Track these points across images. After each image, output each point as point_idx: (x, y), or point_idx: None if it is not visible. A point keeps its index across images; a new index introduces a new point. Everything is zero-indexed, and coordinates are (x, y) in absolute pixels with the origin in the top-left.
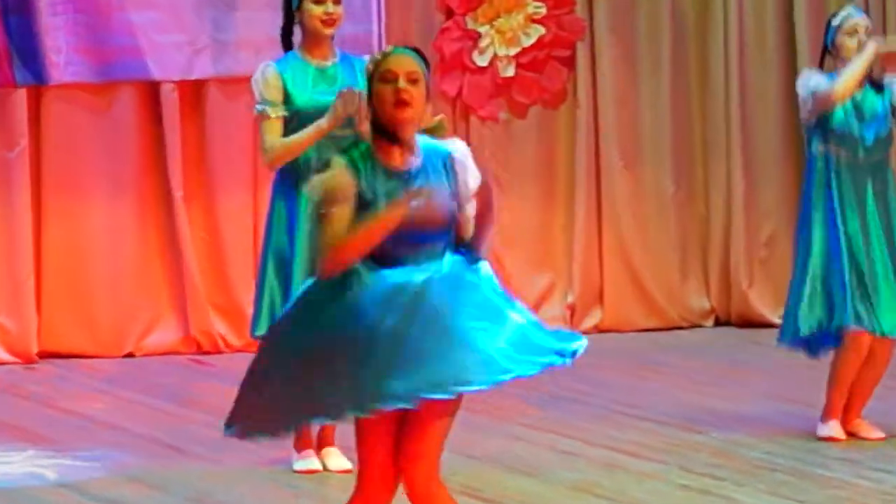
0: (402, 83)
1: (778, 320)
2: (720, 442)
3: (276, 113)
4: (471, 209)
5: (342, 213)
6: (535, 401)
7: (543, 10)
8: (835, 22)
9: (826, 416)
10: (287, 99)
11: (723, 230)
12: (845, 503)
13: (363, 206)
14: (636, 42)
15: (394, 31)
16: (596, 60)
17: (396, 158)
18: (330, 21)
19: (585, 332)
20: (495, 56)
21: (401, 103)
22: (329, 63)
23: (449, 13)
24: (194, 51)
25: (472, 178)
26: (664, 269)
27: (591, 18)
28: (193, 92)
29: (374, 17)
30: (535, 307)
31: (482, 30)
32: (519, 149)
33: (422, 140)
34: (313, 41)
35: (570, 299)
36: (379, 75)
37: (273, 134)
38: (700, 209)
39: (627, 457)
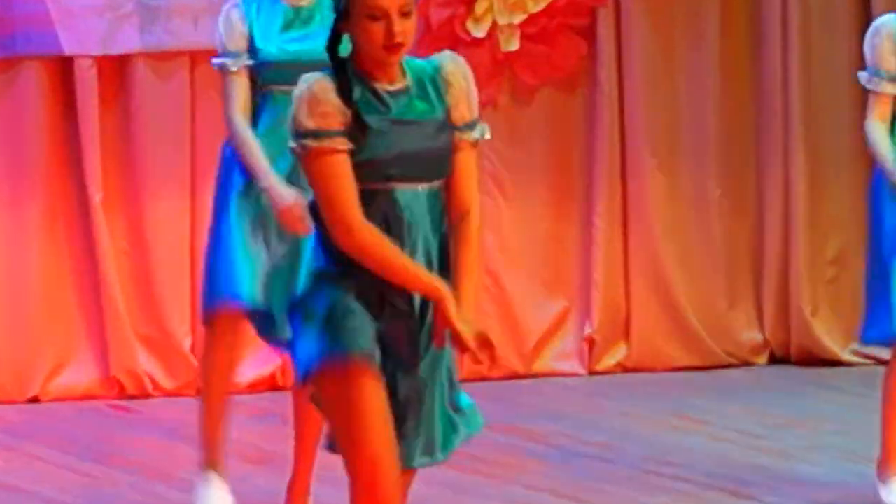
0: (396, 22)
1: (849, 357)
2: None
3: (238, 65)
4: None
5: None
6: (542, 455)
7: None
8: None
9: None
10: (251, 46)
11: (780, 245)
12: None
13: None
14: (674, 7)
15: None
16: (622, 31)
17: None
18: None
19: (608, 372)
20: (495, 25)
21: (395, 47)
22: (305, 1)
23: None
24: (116, 18)
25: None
26: (706, 294)
27: None
28: (115, 70)
29: None
30: (545, 340)
31: None
32: (524, 142)
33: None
34: None
35: (588, 331)
36: (366, 9)
37: (238, 91)
38: (751, 219)
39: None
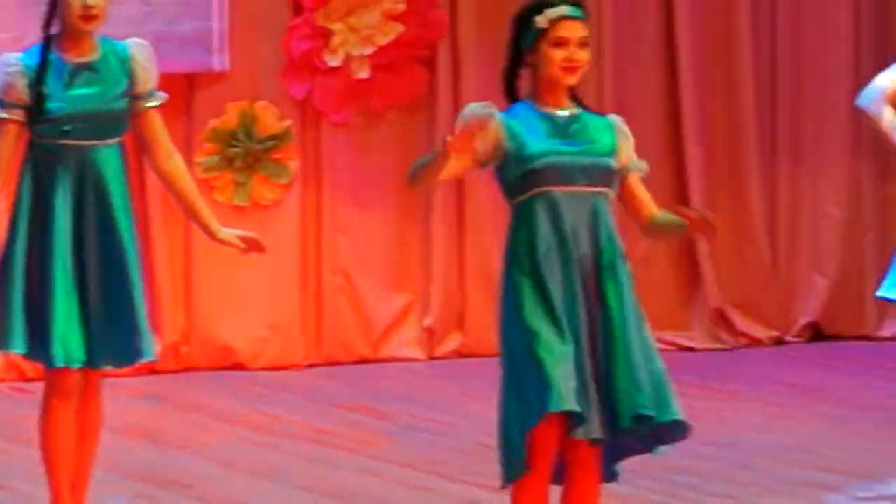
0: (573, 50)
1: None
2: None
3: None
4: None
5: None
6: (388, 431)
7: (402, 6)
8: None
9: None
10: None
11: None
12: None
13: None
14: (504, 42)
15: (238, 27)
16: (459, 61)
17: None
18: (89, 17)
19: (446, 357)
20: (348, 56)
21: (572, 70)
22: (90, 56)
23: (298, 9)
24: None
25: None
26: None
27: (455, 15)
28: None
29: (216, 13)
30: (391, 330)
31: (334, 27)
32: (374, 157)
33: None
34: (71, 37)
35: (428, 322)
36: (553, 40)
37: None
38: None
39: (490, 492)
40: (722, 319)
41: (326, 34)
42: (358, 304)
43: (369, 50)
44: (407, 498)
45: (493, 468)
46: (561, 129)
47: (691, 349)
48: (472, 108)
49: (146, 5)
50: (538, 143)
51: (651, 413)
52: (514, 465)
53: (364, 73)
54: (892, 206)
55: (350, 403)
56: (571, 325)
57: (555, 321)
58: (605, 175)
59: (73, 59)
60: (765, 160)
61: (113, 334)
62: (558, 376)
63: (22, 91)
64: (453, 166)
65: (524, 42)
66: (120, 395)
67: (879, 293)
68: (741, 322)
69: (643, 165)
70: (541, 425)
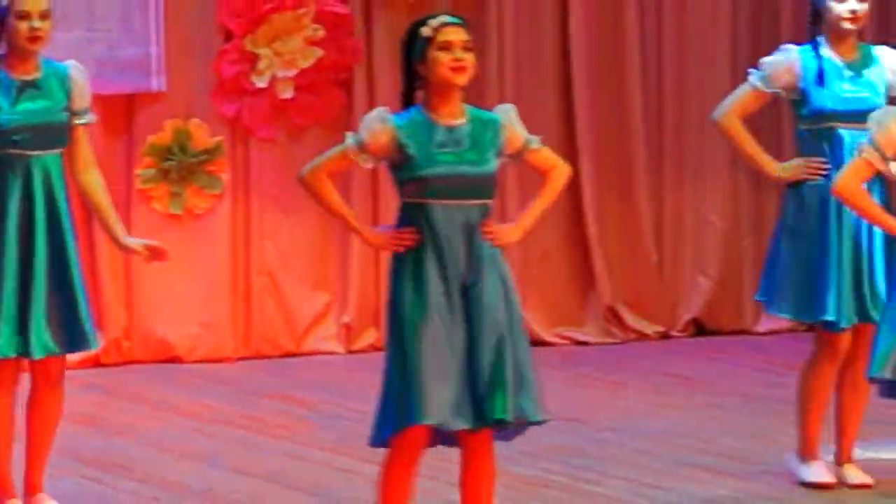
0: (458, 52)
1: (551, 338)
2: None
3: None
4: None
5: (340, 161)
6: (312, 418)
7: (322, 33)
8: None
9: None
10: None
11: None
12: None
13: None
14: None
15: (173, 52)
16: (374, 83)
17: (446, 116)
18: (34, 38)
19: (363, 351)
20: (274, 78)
21: (460, 69)
22: (34, 74)
23: (228, 35)
24: None
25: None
26: None
27: (369, 42)
28: None
29: (153, 39)
30: (313, 326)
31: (261, 52)
32: (298, 170)
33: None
34: (17, 56)
35: (346, 319)
36: (439, 44)
37: None
38: None
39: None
40: (613, 316)
41: (254, 58)
42: (283, 302)
43: (293, 72)
44: (329, 478)
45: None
46: (449, 139)
47: (586, 343)
48: (371, 116)
49: (90, 32)
50: (425, 151)
51: (510, 418)
52: (381, 439)
53: (288, 94)
54: (767, 214)
55: (276, 393)
56: (448, 325)
57: (433, 321)
58: (485, 185)
59: (20, 76)
60: (652, 172)
61: (59, 325)
62: (429, 383)
63: None
64: (343, 165)
65: (415, 55)
66: (68, 386)
67: (757, 296)
68: (631, 318)
69: (536, 139)
70: (411, 428)
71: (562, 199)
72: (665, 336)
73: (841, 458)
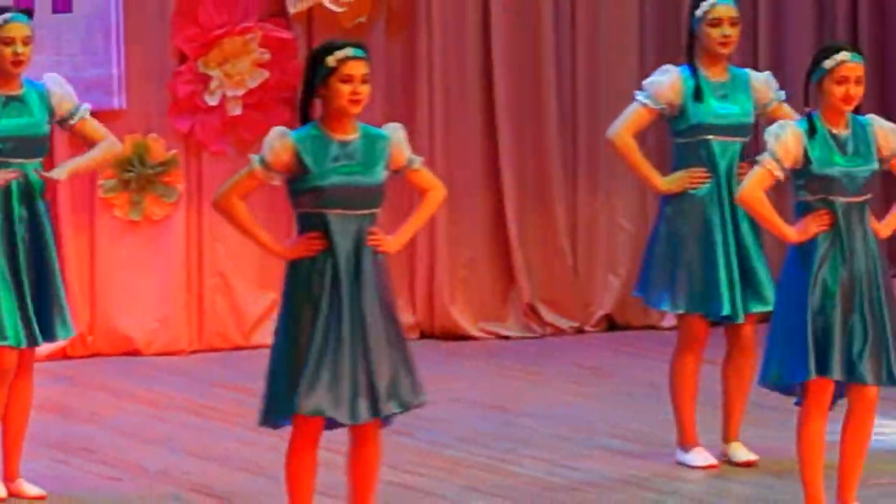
0: (357, 85)
1: (477, 333)
2: (425, 443)
3: None
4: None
5: (249, 181)
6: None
7: (267, 56)
8: (699, 11)
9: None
10: None
11: (428, 253)
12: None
13: (307, 171)
14: None
15: (133, 74)
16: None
17: (340, 131)
18: (17, 62)
19: None
20: (224, 97)
21: (357, 102)
22: (17, 91)
23: (182, 58)
24: None
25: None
26: None
27: None
28: None
29: (115, 61)
30: (260, 321)
31: (212, 73)
32: None
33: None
34: (1, 77)
35: None
36: (341, 76)
37: None
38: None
39: (342, 456)
40: (532, 313)
41: (206, 79)
42: (233, 300)
43: (241, 92)
44: (276, 461)
45: (342, 436)
46: (342, 153)
47: (507, 337)
48: (271, 136)
49: (58, 55)
50: (321, 164)
51: (395, 410)
52: (269, 421)
53: (237, 111)
54: (672, 220)
55: (227, 383)
56: (336, 324)
57: (320, 320)
58: (374, 195)
59: (4, 93)
60: (567, 182)
61: (44, 316)
62: (311, 377)
63: None
64: (253, 185)
65: (317, 78)
66: (36, 377)
67: (636, 293)
68: (548, 315)
69: (419, 159)
70: (304, 418)
71: (486, 208)
72: (579, 331)
73: (728, 437)
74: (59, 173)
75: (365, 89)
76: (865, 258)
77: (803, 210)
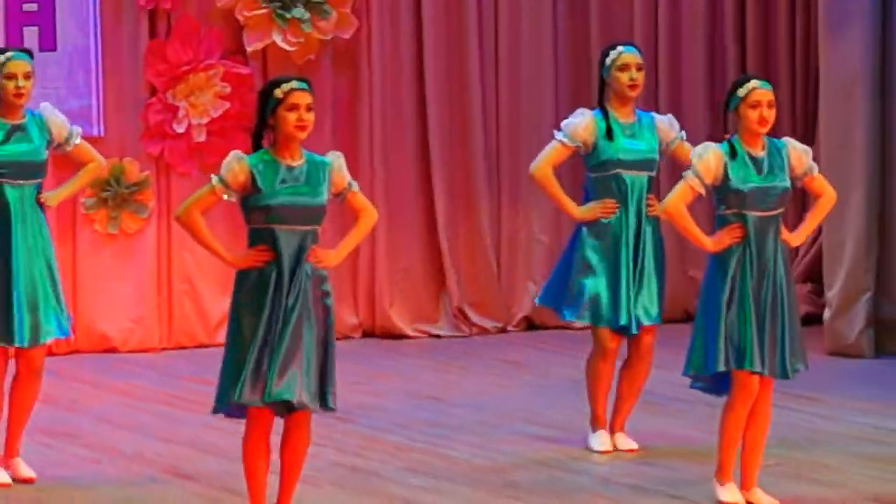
0: (303, 113)
1: (412, 332)
2: (369, 429)
3: None
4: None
5: (209, 197)
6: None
7: (228, 90)
8: (608, 59)
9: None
10: None
11: (369, 260)
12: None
13: (259, 191)
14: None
15: (109, 104)
16: None
17: (288, 157)
18: (19, 94)
19: None
20: (190, 125)
21: (302, 128)
22: (19, 121)
23: (153, 90)
24: None
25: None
26: None
27: None
28: None
29: (94, 93)
30: (221, 323)
31: (180, 104)
32: None
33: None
34: (6, 108)
35: None
36: (287, 105)
37: None
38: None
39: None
40: (461, 315)
41: (174, 109)
42: (198, 303)
43: (205, 120)
44: (236, 445)
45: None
46: (289, 176)
47: (439, 336)
48: (229, 159)
49: (43, 88)
50: (271, 185)
51: (314, 405)
52: (219, 409)
53: (202, 138)
54: (584, 242)
55: (194, 377)
56: (280, 325)
57: (263, 322)
58: (316, 214)
59: (8, 121)
60: (492, 200)
61: (49, 316)
62: (253, 371)
63: None
64: (212, 201)
65: (267, 109)
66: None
67: (541, 301)
68: (475, 317)
69: (356, 184)
70: (256, 409)
71: (420, 223)
72: (502, 330)
73: (614, 428)
74: (50, 199)
75: (310, 116)
76: (775, 266)
77: (721, 223)
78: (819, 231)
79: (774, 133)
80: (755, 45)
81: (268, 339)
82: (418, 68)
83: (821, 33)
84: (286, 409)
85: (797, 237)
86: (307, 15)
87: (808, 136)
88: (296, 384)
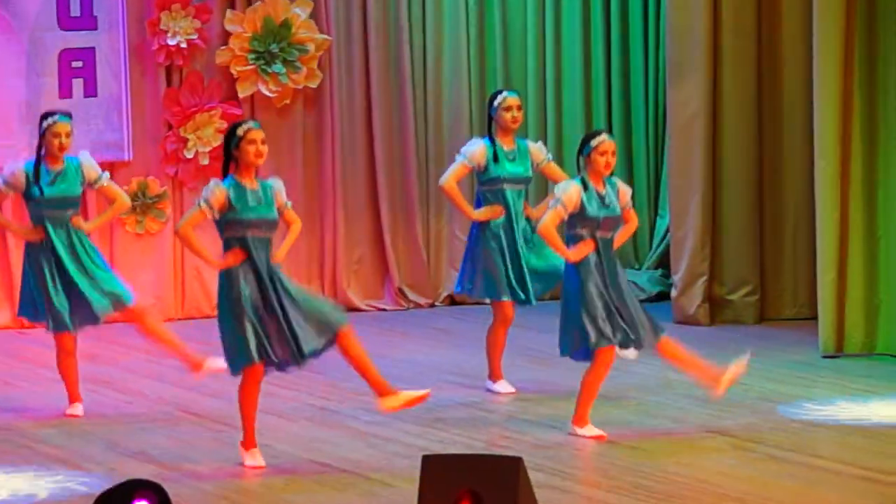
0: (259, 146)
1: (365, 307)
2: (333, 378)
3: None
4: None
5: (199, 216)
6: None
7: (225, 126)
8: (496, 101)
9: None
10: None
11: (331, 250)
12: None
13: (234, 208)
14: (280, 142)
15: (137, 136)
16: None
17: (249, 182)
18: (62, 147)
19: None
20: (197, 152)
21: (260, 156)
22: (60, 167)
23: (169, 126)
24: None
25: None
26: (300, 279)
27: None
28: None
29: (125, 127)
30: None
31: (189, 136)
32: None
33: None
34: (51, 157)
35: None
36: (247, 140)
37: None
38: (318, 236)
39: (276, 387)
40: (401, 293)
41: (185, 140)
42: (204, 284)
43: (208, 149)
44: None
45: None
46: (253, 196)
47: (384, 310)
48: (210, 185)
49: (87, 126)
50: (242, 203)
51: (318, 347)
52: (235, 366)
53: (206, 162)
54: (478, 238)
55: (200, 341)
56: (260, 302)
57: (246, 300)
58: (272, 226)
59: (52, 168)
60: (423, 208)
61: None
62: (249, 339)
63: (22, 183)
64: (201, 218)
65: (232, 144)
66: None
67: (457, 290)
68: (411, 294)
69: (289, 202)
70: (250, 364)
71: (370, 225)
72: (431, 306)
73: (492, 377)
74: (87, 226)
75: (264, 148)
76: (615, 268)
77: (575, 240)
78: (667, 229)
79: (635, 156)
80: (619, 88)
81: (261, 314)
82: (367, 111)
83: (668, 81)
84: (277, 366)
85: (618, 241)
86: (284, 70)
87: (658, 158)
88: (310, 335)
